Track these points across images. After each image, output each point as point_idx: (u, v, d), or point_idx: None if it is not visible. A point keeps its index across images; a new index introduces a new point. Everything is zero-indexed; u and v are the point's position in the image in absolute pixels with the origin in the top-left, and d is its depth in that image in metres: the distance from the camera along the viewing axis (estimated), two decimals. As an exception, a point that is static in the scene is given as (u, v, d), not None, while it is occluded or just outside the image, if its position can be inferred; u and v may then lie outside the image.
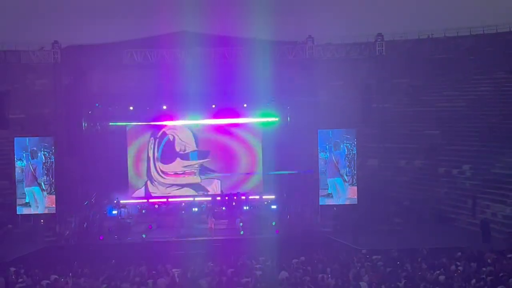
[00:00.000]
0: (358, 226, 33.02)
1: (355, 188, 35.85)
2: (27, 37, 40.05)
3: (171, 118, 40.72)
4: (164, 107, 40.33)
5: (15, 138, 35.56)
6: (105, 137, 40.88)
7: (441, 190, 38.53)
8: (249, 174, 42.04)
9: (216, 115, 40.71)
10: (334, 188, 35.68)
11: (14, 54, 36.58)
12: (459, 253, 25.03)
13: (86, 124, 38.47)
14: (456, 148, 40.52)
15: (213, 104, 40.37)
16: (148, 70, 40.84)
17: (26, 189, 34.54)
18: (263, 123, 41.45)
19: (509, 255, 23.89)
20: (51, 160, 34.66)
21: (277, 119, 40.74)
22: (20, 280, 22.50)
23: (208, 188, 41.85)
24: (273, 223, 33.75)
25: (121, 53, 36.75)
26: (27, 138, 35.32)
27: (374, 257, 25.28)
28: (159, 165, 41.91)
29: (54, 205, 34.50)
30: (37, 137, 35.43)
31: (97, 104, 40.08)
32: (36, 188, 34.55)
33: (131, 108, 40.48)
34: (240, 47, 37.12)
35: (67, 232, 34.23)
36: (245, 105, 40.41)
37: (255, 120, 41.11)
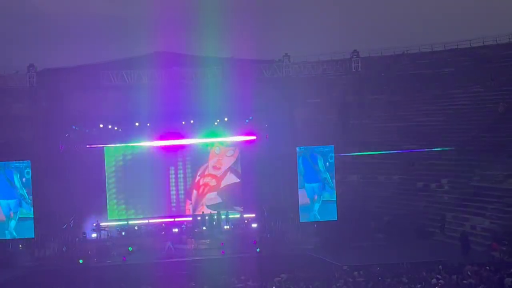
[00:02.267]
0: (339, 242, 33.06)
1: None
2: (2, 61, 39.84)
3: (149, 138, 40.50)
4: (137, 124, 40.10)
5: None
6: (83, 160, 40.60)
7: (420, 204, 38.68)
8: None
9: (190, 135, 40.58)
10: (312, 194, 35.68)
11: (-11, 79, 36.37)
12: (440, 266, 25.10)
13: (64, 147, 38.19)
14: (434, 162, 40.72)
15: (183, 121, 40.26)
16: (126, 91, 40.84)
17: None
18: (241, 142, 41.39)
19: (489, 267, 24.01)
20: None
21: (255, 137, 40.71)
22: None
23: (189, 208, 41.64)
24: (258, 250, 33.48)
25: (98, 75, 36.66)
26: (7, 162, 35.05)
27: (355, 273, 25.26)
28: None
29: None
30: (16, 161, 35.14)
31: (74, 127, 39.86)
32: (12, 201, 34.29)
33: (109, 126, 40.31)
34: (217, 66, 37.19)
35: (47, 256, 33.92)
36: (217, 122, 40.34)
37: (234, 138, 41.02)
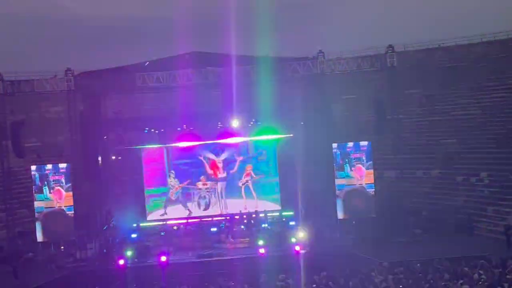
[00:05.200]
0: (378, 239, 32.89)
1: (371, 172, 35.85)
2: (40, 65, 40.38)
3: (186, 139, 40.68)
4: (179, 129, 40.47)
5: (34, 166, 35.82)
6: (121, 161, 41.02)
7: (460, 199, 38.30)
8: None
9: (227, 135, 40.67)
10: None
11: (28, 83, 36.94)
12: (482, 261, 24.78)
13: (102, 149, 38.59)
14: (473, 156, 40.28)
15: (220, 124, 40.46)
16: (162, 92, 41.18)
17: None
18: (277, 140, 41.33)
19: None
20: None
21: (291, 135, 40.64)
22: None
23: (228, 208, 41.75)
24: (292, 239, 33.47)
25: (134, 76, 36.96)
26: (46, 166, 35.59)
27: (395, 269, 25.10)
28: (177, 183, 41.83)
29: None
30: (54, 164, 35.67)
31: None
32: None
33: (145, 130, 40.67)
34: (252, 65, 37.22)
35: (88, 257, 34.37)
36: (251, 123, 40.40)
37: (268, 137, 41.01)
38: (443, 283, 21.67)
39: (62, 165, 35.61)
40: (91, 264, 33.75)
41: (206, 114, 39.37)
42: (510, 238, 31.01)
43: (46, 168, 35.53)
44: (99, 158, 38.01)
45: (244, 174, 42.13)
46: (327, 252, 32.06)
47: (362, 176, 35.98)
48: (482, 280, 21.68)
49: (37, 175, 35.36)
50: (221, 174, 41.91)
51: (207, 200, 41.79)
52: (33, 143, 42.58)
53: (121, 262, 31.23)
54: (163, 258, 30.60)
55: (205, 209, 41.69)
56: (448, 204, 38.24)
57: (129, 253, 33.13)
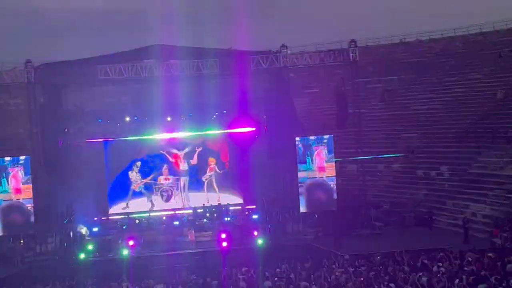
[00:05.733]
0: (339, 232, 33.12)
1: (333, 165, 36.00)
2: (-1, 57, 39.75)
3: (149, 132, 40.47)
4: (136, 118, 40.18)
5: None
6: (82, 155, 40.59)
7: (420, 192, 38.77)
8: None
9: (191, 127, 40.56)
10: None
11: (-14, 75, 36.25)
12: (441, 254, 25.11)
13: (62, 142, 38.14)
14: (434, 150, 40.78)
15: (183, 117, 40.29)
16: (123, 85, 40.82)
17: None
18: (240, 133, 41.24)
19: (490, 254, 24.02)
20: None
21: (254, 128, 40.62)
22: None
23: (190, 201, 41.61)
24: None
25: (96, 69, 36.56)
26: (5, 158, 35.07)
27: (356, 262, 25.30)
28: (139, 179, 41.58)
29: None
30: (16, 157, 35.19)
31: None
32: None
33: (101, 121, 40.40)
34: (214, 58, 37.10)
35: (48, 251, 34.04)
36: (214, 117, 40.37)
37: (232, 131, 40.92)
38: (403, 275, 21.89)
39: (22, 157, 35.12)
40: (52, 257, 33.39)
41: (170, 107, 39.09)
42: (467, 231, 31.50)
43: (5, 160, 34.98)
44: (60, 151, 37.50)
45: (208, 168, 41.98)
46: (289, 245, 32.19)
47: (323, 168, 36.10)
48: (441, 272, 21.95)
49: (-6, 168, 34.84)
50: (183, 166, 41.68)
51: (170, 192, 41.63)
52: (-8, 135, 42.03)
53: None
54: (131, 242, 30.46)
55: (167, 200, 41.49)
56: (408, 198, 38.70)
57: (90, 247, 32.84)
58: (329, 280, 22.21)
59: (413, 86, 47.39)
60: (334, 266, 24.97)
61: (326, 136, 36.39)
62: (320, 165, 36.08)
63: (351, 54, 37.21)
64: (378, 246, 30.27)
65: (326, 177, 36.11)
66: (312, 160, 36.07)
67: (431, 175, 39.54)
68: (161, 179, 41.72)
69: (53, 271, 29.24)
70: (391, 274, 22.28)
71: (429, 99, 45.40)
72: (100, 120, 40.47)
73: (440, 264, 23.09)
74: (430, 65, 48.07)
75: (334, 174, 36.18)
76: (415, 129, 43.24)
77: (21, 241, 34.76)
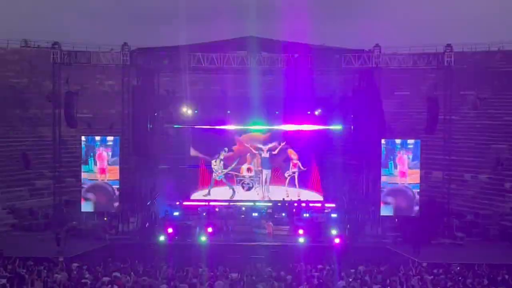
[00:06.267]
0: (419, 238, 32.62)
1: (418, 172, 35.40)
2: (98, 39, 40.92)
3: (235, 122, 40.83)
4: (229, 112, 40.64)
5: (83, 136, 36.42)
6: (169, 139, 41.42)
7: (507, 206, 37.73)
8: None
9: (282, 121, 40.63)
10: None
11: (84, 55, 37.36)
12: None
13: (151, 126, 39.01)
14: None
15: (276, 111, 40.38)
16: (214, 74, 41.36)
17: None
18: (326, 131, 41.05)
19: None
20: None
21: (340, 127, 40.43)
22: (82, 276, 22.95)
23: (269, 195, 41.80)
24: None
25: (189, 56, 37.15)
26: (95, 137, 36.14)
27: (435, 270, 24.90)
28: (221, 168, 42.01)
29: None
30: (104, 136, 36.21)
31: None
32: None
33: (195, 111, 40.95)
34: (306, 54, 37.08)
35: (130, 231, 34.93)
36: (309, 112, 40.27)
37: (319, 127, 40.82)
38: (481, 289, 21.46)
39: (110, 138, 36.05)
40: (132, 237, 34.24)
41: (258, 99, 39.30)
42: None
43: (96, 139, 36.02)
44: (148, 134, 38.35)
45: (291, 164, 42.02)
46: (366, 247, 31.95)
47: (404, 174, 35.53)
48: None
49: (83, 146, 35.91)
50: (265, 159, 41.84)
51: (251, 185, 41.93)
52: (85, 114, 43.34)
53: (170, 230, 31.81)
54: (210, 229, 30.77)
55: (248, 190, 41.80)
56: (493, 210, 37.73)
57: (169, 230, 33.49)
58: (404, 286, 21.95)
59: (507, 96, 46.06)
60: (410, 273, 24.65)
61: (411, 141, 35.72)
62: (402, 171, 35.53)
63: (446, 59, 36.44)
64: (458, 256, 29.66)
65: (408, 183, 35.52)
66: (394, 165, 35.56)
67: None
68: (243, 170, 42.01)
69: (133, 251, 29.96)
70: (470, 286, 21.84)
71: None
72: (196, 111, 41.05)
73: (522, 280, 22.52)
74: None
75: (418, 181, 35.54)
76: (505, 140, 42.07)
77: (105, 219, 35.78)
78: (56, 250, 30.13)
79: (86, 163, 35.68)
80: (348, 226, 34.82)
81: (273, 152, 41.85)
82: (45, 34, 46.33)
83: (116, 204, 35.49)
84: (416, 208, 35.24)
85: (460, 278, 23.31)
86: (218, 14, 62.91)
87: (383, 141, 35.67)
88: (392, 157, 35.45)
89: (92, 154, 35.63)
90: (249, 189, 41.88)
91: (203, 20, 64.26)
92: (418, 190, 35.40)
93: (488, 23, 64.39)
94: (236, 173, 42.01)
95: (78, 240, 33.29)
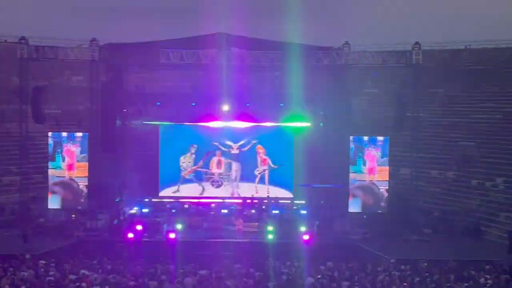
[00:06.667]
0: (387, 235, 32.89)
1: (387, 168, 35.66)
2: (66, 33, 40.46)
3: (205, 119, 40.66)
4: (195, 106, 40.46)
5: (50, 133, 36.07)
6: (138, 136, 41.21)
7: (473, 203, 38.18)
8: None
9: (246, 118, 40.49)
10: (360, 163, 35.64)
11: (52, 50, 36.94)
12: (488, 266, 24.74)
13: (120, 122, 38.77)
14: (490, 160, 40.07)
15: (247, 103, 40.31)
16: (185, 70, 41.23)
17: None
18: (295, 128, 41.13)
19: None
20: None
21: (309, 124, 40.55)
22: (49, 273, 22.74)
23: (239, 191, 41.80)
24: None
25: (158, 52, 36.99)
26: (62, 133, 35.81)
27: (402, 266, 25.10)
28: (191, 165, 41.87)
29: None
30: (72, 133, 35.89)
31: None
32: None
33: (158, 103, 40.88)
34: (276, 51, 37.14)
35: (98, 228, 34.69)
36: (282, 104, 40.21)
37: (287, 124, 40.90)
38: (448, 284, 21.66)
39: (78, 134, 35.78)
40: (100, 234, 34.01)
41: (228, 96, 39.24)
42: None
43: (62, 135, 35.70)
44: (117, 131, 38.11)
45: (260, 160, 42.00)
46: (335, 244, 32.10)
47: (373, 171, 35.80)
48: (488, 284, 21.66)
49: (51, 142, 35.56)
50: (235, 153, 41.81)
51: (220, 183, 41.86)
52: (53, 110, 42.88)
53: (130, 235, 31.52)
54: (172, 235, 30.84)
55: (217, 187, 41.75)
56: (460, 207, 38.16)
57: (139, 227, 33.32)
58: (372, 282, 22.10)
59: (474, 93, 46.58)
60: (379, 269, 24.83)
61: (380, 138, 36.05)
62: (371, 168, 35.78)
63: (414, 57, 36.75)
64: (425, 252, 29.94)
65: (377, 180, 35.78)
66: (363, 162, 35.80)
67: (485, 185, 38.86)
68: (213, 164, 41.85)
69: (101, 248, 29.77)
70: (437, 282, 22.06)
71: (490, 109, 44.57)
72: (158, 103, 40.98)
73: (488, 276, 22.78)
74: (493, 74, 47.15)
75: (386, 178, 35.82)
76: (473, 137, 42.53)
77: (73, 216, 35.51)
78: (23, 247, 29.79)
79: (54, 159, 35.35)
80: (317, 222, 34.96)
81: (244, 149, 41.83)
82: (12, 29, 45.72)
83: (84, 201, 35.20)
84: (384, 204, 35.55)
85: (427, 274, 23.53)
86: (188, 10, 62.63)
87: (351, 138, 35.88)
88: (360, 154, 35.70)
89: (59, 150, 35.31)
90: (218, 186, 41.84)
91: (174, 16, 64.06)
92: (387, 187, 35.69)
93: (456, 22, 65.00)
94: (205, 169, 41.90)
95: (45, 237, 33.00)
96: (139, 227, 32.92)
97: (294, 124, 40.74)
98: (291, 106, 39.73)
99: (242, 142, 41.78)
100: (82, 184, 35.25)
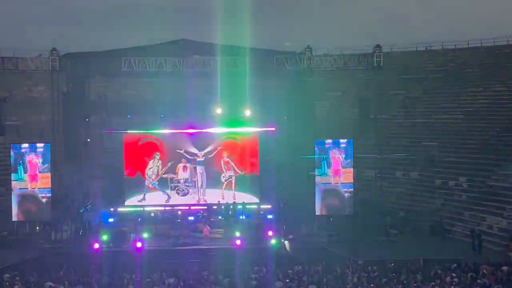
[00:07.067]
0: (354, 237, 33.05)
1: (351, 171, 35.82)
2: (25, 44, 40.12)
3: (168, 126, 40.44)
4: (162, 116, 40.25)
5: (11, 145, 35.55)
6: (101, 145, 40.85)
7: (438, 202, 38.57)
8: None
9: (212, 124, 40.43)
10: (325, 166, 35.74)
11: (11, 61, 36.54)
12: (455, 265, 25.00)
13: (83, 132, 38.43)
14: (453, 160, 40.55)
15: (211, 114, 40.18)
16: (147, 78, 41.05)
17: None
18: (260, 134, 41.15)
19: (504, 268, 23.90)
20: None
21: (274, 129, 40.57)
22: (14, 287, 22.41)
23: (205, 198, 41.63)
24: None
25: (120, 61, 36.79)
26: (23, 145, 35.28)
27: (369, 268, 25.24)
28: (158, 171, 41.60)
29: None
30: (33, 144, 35.40)
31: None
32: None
33: (128, 116, 40.51)
34: (238, 56, 37.18)
35: (63, 239, 34.28)
36: (247, 112, 40.16)
37: (253, 129, 40.88)
38: (415, 284, 21.85)
39: (40, 145, 35.26)
40: (66, 246, 33.60)
41: (191, 102, 39.16)
42: (481, 243, 31.40)
43: (22, 147, 35.16)
44: (80, 140, 37.77)
45: (223, 164, 41.74)
46: (303, 247, 32.15)
47: (338, 173, 35.96)
48: (455, 283, 21.89)
49: (12, 154, 35.01)
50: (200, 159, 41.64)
51: (186, 191, 41.60)
52: (14, 122, 42.32)
53: (96, 245, 31.20)
54: (139, 244, 30.57)
55: (183, 195, 41.53)
56: (425, 206, 38.53)
57: (104, 237, 33.03)
58: (340, 284, 22.20)
59: (436, 94, 47.16)
60: (347, 271, 24.94)
61: (344, 141, 36.21)
62: (336, 170, 35.94)
63: (375, 59, 37.06)
64: (392, 253, 30.17)
65: (341, 183, 35.94)
66: (327, 165, 35.94)
67: (449, 185, 39.30)
68: (179, 170, 41.56)
69: (67, 259, 29.41)
70: (404, 282, 22.24)
71: (451, 109, 45.17)
72: (128, 116, 40.57)
73: (454, 275, 23.02)
74: (454, 75, 47.83)
75: (351, 180, 36.00)
76: (435, 138, 43.01)
77: (37, 228, 35.05)
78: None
79: (16, 171, 34.81)
80: (284, 227, 35.00)
81: (209, 156, 41.66)
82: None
83: (48, 212, 34.74)
84: (351, 206, 35.72)
85: (394, 274, 23.70)
86: (149, 18, 62.45)
87: (315, 141, 36.01)
88: (325, 157, 35.83)
89: (21, 162, 34.79)
90: (184, 195, 41.59)
91: (135, 24, 63.78)
92: (352, 189, 35.88)
93: (415, 23, 65.82)
94: (171, 175, 41.56)
95: (10, 250, 32.51)
96: (105, 237, 32.69)
97: (259, 129, 40.67)
98: (254, 111, 39.71)
99: (207, 150, 41.57)
100: (46, 195, 34.74)
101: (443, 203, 38.33)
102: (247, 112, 40.04)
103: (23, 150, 34.99)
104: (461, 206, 37.14)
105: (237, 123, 40.70)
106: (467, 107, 44.61)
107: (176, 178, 41.50)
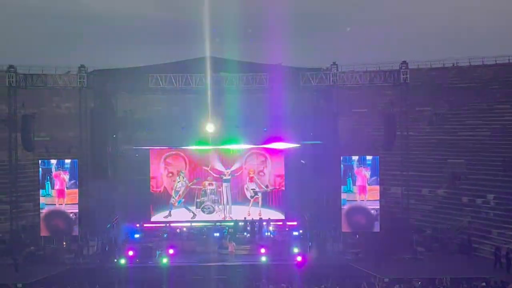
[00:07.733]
0: (380, 254, 32.85)
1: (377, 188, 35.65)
2: (54, 61, 40.57)
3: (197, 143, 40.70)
4: (183, 128, 40.41)
5: (39, 160, 35.92)
6: (128, 161, 41.12)
7: (465, 219, 38.23)
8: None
9: (243, 141, 40.63)
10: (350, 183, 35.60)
11: (40, 78, 37.06)
12: (483, 284, 24.76)
13: (110, 148, 38.74)
14: (480, 177, 40.22)
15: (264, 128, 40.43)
16: (173, 95, 41.34)
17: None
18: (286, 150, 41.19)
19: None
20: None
21: (299, 145, 40.59)
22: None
23: (232, 213, 41.70)
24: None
25: (147, 78, 37.15)
26: (51, 160, 35.60)
27: (396, 286, 25.08)
28: (184, 189, 41.79)
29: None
30: (61, 160, 35.71)
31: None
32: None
33: (146, 129, 40.93)
34: (264, 73, 37.37)
35: (89, 255, 34.50)
36: (265, 129, 40.29)
37: (279, 146, 40.93)
38: (442, 302, 21.69)
39: (68, 161, 35.53)
40: (92, 261, 33.80)
41: (222, 119, 39.37)
42: (499, 260, 31.09)
43: (51, 162, 35.44)
44: (107, 156, 38.05)
45: (248, 180, 41.92)
46: (328, 264, 32.01)
47: (364, 190, 35.78)
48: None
49: (40, 170, 35.32)
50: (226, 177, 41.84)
51: (212, 209, 41.70)
52: (43, 138, 42.73)
53: (131, 253, 31.82)
54: (171, 251, 30.60)
55: (209, 214, 41.69)
56: (452, 224, 38.19)
57: (130, 253, 33.18)
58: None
59: (462, 111, 46.86)
60: (373, 289, 24.83)
61: (369, 158, 36.06)
62: (361, 187, 35.77)
63: (402, 76, 36.99)
64: (418, 271, 29.94)
65: (367, 200, 35.73)
66: (352, 182, 35.78)
67: (476, 202, 38.95)
68: (205, 183, 41.79)
69: (93, 275, 29.60)
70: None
71: (478, 126, 44.83)
72: (147, 129, 40.97)
73: (482, 293, 22.83)
74: (481, 91, 47.48)
75: (377, 197, 35.79)
76: (462, 155, 42.71)
77: (64, 244, 35.31)
78: (14, 276, 29.59)
79: (44, 187, 35.10)
80: (310, 243, 34.90)
81: (236, 174, 41.85)
82: (0, 57, 45.79)
83: (75, 228, 34.99)
84: (377, 224, 35.52)
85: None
86: (175, 37, 62.98)
87: (341, 158, 35.93)
88: (350, 174, 35.71)
89: (48, 177, 35.09)
90: (210, 213, 41.72)
91: (162, 42, 64.35)
92: (378, 206, 35.69)
93: (442, 40, 65.58)
94: (197, 192, 41.72)
95: (37, 265, 32.80)
96: (130, 253, 32.86)
97: (285, 146, 40.73)
98: (281, 127, 39.80)
99: (233, 168, 41.75)
100: (73, 211, 34.98)
101: (470, 220, 37.98)
102: (272, 129, 40.15)
103: (51, 166, 35.32)
104: (488, 224, 36.77)
105: (262, 139, 40.79)
106: (494, 124, 44.22)
107: (201, 197, 41.67)
